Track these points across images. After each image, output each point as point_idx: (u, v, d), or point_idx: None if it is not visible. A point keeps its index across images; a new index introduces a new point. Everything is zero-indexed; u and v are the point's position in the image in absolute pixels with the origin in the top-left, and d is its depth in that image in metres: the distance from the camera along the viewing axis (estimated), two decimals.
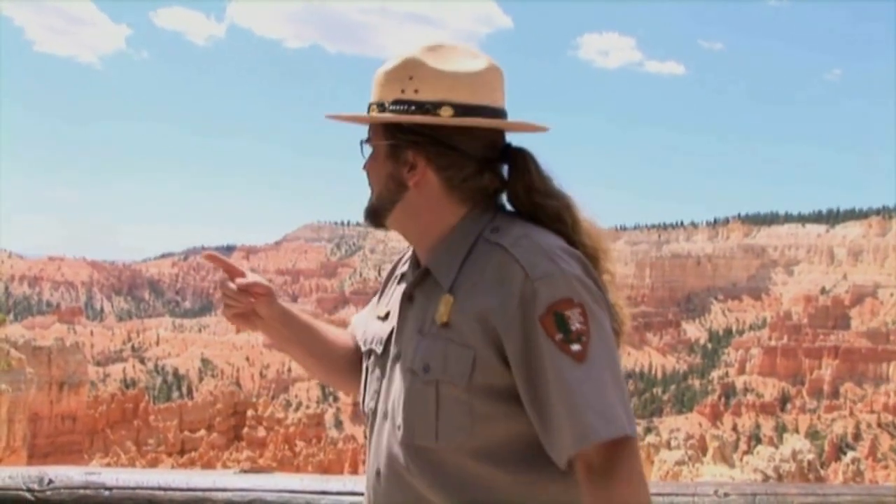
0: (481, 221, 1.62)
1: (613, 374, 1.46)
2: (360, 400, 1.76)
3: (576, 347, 1.44)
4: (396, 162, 1.62)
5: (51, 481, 2.16)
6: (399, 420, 1.59)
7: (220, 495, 2.12)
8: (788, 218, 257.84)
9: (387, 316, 1.74)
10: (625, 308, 1.64)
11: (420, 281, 1.65)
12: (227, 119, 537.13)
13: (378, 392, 1.69)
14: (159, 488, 2.14)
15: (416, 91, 1.58)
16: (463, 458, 1.54)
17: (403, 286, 1.71)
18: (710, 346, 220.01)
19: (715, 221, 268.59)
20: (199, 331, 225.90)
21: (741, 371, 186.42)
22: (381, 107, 1.61)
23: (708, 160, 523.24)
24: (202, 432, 73.34)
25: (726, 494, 2.18)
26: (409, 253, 1.77)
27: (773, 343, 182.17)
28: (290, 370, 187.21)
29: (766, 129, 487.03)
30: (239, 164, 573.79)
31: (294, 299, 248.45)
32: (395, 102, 1.59)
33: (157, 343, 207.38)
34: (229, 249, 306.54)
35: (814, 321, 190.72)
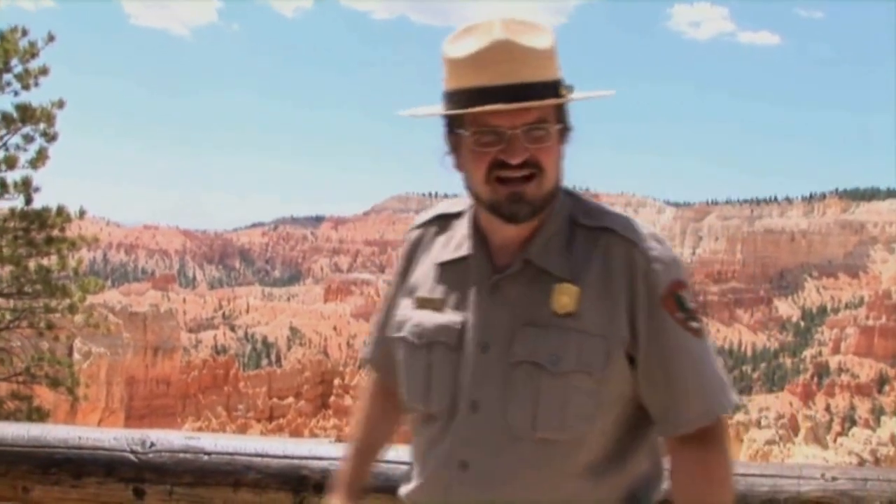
0: (565, 203, 1.59)
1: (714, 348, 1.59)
2: (417, 396, 1.64)
3: (695, 325, 1.54)
4: (563, 145, 1.55)
5: (153, 444, 2.24)
6: (513, 412, 1.53)
7: (316, 464, 2.17)
8: (890, 193, 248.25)
9: (440, 305, 1.63)
10: None
11: (518, 272, 1.56)
12: (315, 90, 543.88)
13: (456, 384, 1.58)
14: (256, 455, 2.20)
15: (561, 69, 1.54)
16: (578, 448, 1.54)
17: (462, 273, 1.62)
18: (802, 324, 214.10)
19: (811, 196, 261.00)
20: (288, 300, 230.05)
21: (836, 350, 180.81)
22: (565, 87, 1.52)
23: (803, 133, 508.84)
24: (290, 399, 74.67)
25: (834, 478, 2.09)
26: (456, 236, 1.66)
27: (870, 322, 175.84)
28: None
29: (865, 100, 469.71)
30: (328, 135, 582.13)
31: (381, 270, 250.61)
32: (564, 84, 1.52)
33: (247, 311, 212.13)
34: (318, 220, 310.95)
35: None
